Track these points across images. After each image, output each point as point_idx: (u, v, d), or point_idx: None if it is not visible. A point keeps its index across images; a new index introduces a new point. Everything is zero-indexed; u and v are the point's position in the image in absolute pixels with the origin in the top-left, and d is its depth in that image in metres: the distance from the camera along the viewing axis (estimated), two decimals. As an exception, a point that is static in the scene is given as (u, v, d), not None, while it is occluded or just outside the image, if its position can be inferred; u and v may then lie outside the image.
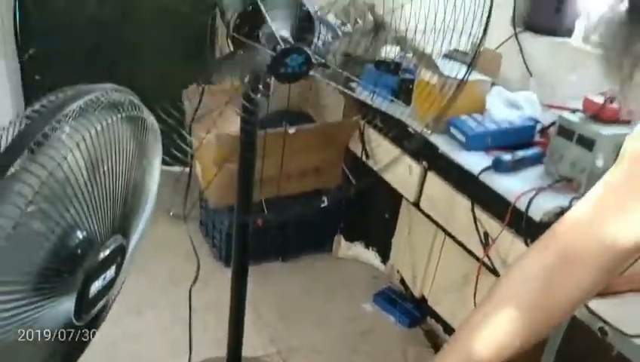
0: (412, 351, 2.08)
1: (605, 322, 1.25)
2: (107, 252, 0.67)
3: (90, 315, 0.67)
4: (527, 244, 1.44)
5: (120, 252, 0.69)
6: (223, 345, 1.69)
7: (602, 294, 1.32)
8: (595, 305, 1.30)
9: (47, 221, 0.61)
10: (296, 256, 2.46)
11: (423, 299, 2.13)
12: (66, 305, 0.64)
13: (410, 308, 2.19)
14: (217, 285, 1.99)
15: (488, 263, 1.56)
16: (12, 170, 0.54)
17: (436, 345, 2.07)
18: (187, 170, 1.37)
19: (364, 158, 2.10)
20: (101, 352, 1.79)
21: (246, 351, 1.72)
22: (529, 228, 1.42)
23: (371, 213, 2.39)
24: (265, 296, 2.20)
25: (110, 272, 0.68)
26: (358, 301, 2.28)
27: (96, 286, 0.66)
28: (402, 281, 2.28)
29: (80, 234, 0.65)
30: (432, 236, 2.00)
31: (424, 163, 1.81)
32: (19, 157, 0.54)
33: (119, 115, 0.65)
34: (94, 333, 0.70)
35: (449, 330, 2.04)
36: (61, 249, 0.63)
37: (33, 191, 0.56)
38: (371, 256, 2.46)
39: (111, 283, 0.69)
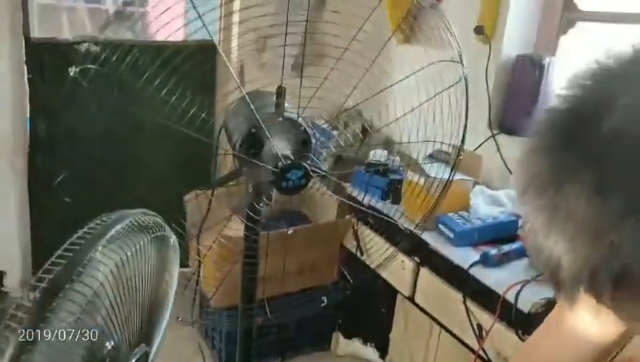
0: None
1: None
2: (134, 360, 0.74)
3: (117, 420, 0.73)
4: (518, 335, 1.51)
5: (144, 359, 0.76)
6: None
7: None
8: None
9: (80, 336, 0.69)
10: (295, 354, 2.47)
11: (424, 395, 2.13)
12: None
13: (411, 405, 2.18)
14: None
15: (483, 355, 1.60)
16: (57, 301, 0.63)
17: None
18: (188, 271, 1.44)
19: (358, 255, 2.19)
20: None
21: None
22: (519, 319, 1.49)
23: (368, 308, 2.44)
24: (265, 398, 2.19)
25: (136, 379, 0.75)
26: (359, 399, 2.27)
27: (124, 393, 0.73)
28: (402, 377, 2.29)
29: (109, 344, 0.73)
30: (428, 329, 2.04)
31: (416, 258, 1.90)
32: (63, 289, 0.63)
33: (148, 237, 0.75)
34: None
35: None
36: (92, 359, 0.71)
37: (73, 314, 0.65)
38: (370, 352, 2.47)
39: (136, 389, 0.75)
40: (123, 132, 2.68)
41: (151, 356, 0.80)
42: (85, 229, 0.70)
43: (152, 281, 0.78)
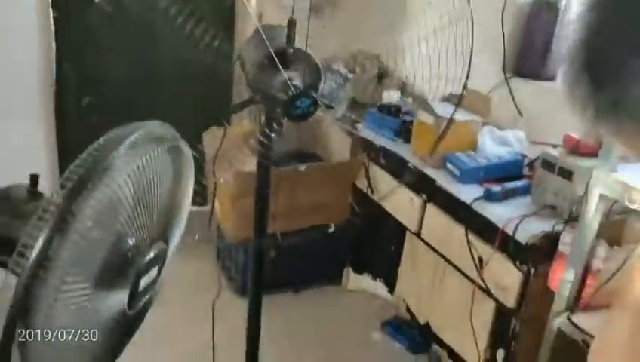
0: (418, 376, 2.18)
1: (587, 334, 1.37)
2: (152, 255, 0.83)
3: (138, 306, 0.83)
4: (516, 266, 1.58)
5: (162, 254, 0.86)
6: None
7: (585, 309, 1.45)
8: (578, 319, 1.43)
9: (104, 231, 0.77)
10: (307, 288, 2.59)
11: (428, 326, 2.24)
12: (121, 297, 0.80)
13: (416, 336, 2.31)
14: (234, 316, 2.12)
15: (482, 285, 1.69)
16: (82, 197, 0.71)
17: (441, 371, 2.17)
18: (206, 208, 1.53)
19: (369, 193, 2.27)
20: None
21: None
22: (517, 251, 1.56)
23: (378, 246, 2.53)
24: (279, 327, 2.31)
25: (154, 271, 0.84)
26: (367, 330, 2.40)
27: (144, 282, 0.82)
28: (408, 310, 2.40)
29: (130, 241, 0.82)
30: (434, 265, 2.13)
31: (424, 196, 1.97)
32: (87, 188, 0.71)
33: (163, 146, 0.83)
34: (140, 323, 0.86)
35: (453, 355, 2.15)
36: (116, 253, 0.80)
37: (97, 212, 0.73)
38: (378, 287, 2.59)
39: (155, 280, 0.85)
40: (144, 74, 2.76)
41: (169, 253, 0.89)
42: (105, 137, 0.78)
43: (168, 188, 0.86)
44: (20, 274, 0.65)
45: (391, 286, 2.53)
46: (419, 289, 2.28)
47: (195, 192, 1.26)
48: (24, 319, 0.66)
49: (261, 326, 1.80)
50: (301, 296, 2.57)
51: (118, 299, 0.79)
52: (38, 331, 0.68)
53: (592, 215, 1.38)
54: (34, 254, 0.66)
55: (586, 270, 1.44)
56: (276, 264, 2.26)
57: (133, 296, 0.81)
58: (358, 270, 2.64)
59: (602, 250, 1.41)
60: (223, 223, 2.41)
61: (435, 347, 2.27)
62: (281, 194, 2.04)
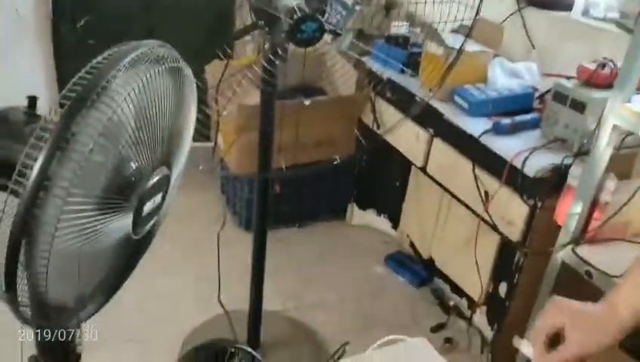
0: (420, 308, 2.22)
1: (591, 266, 1.38)
2: (155, 179, 0.82)
3: (143, 231, 0.82)
4: (522, 199, 1.57)
5: (166, 180, 0.84)
6: (245, 301, 1.85)
7: (591, 242, 1.45)
8: (582, 252, 1.43)
9: (106, 153, 0.75)
10: (312, 223, 2.61)
11: (431, 261, 2.27)
12: (125, 221, 0.79)
13: (418, 270, 2.33)
14: (238, 249, 2.14)
15: (488, 219, 1.69)
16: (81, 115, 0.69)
17: (443, 304, 2.21)
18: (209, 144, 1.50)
19: (375, 128, 2.23)
20: (133, 309, 1.97)
21: (266, 307, 1.88)
22: (524, 184, 1.54)
23: (382, 182, 2.52)
24: (283, 260, 2.35)
25: (158, 197, 0.83)
26: (370, 264, 2.43)
27: (148, 207, 0.81)
28: (412, 245, 2.42)
29: (133, 165, 0.80)
30: (439, 200, 2.13)
31: (430, 130, 1.94)
32: (86, 106, 0.68)
33: (163, 67, 0.79)
34: (146, 248, 0.85)
35: (455, 289, 2.18)
36: (118, 176, 0.78)
37: (97, 132, 0.71)
38: (383, 223, 2.60)
39: (159, 206, 0.84)
40: (145, 7, 2.68)
41: (172, 179, 0.87)
42: (104, 55, 0.75)
43: (170, 111, 0.83)
44: (21, 194, 0.64)
45: (395, 221, 2.54)
46: (423, 224, 2.29)
47: (199, 122, 1.24)
48: (28, 239, 0.66)
49: (266, 259, 1.82)
50: (305, 231, 2.59)
51: (122, 223, 0.78)
52: (44, 252, 0.67)
53: (604, 147, 1.35)
54: (34, 173, 0.64)
55: (594, 203, 1.43)
56: (281, 199, 2.26)
57: (138, 221, 0.80)
58: (363, 206, 2.64)
59: (611, 182, 1.39)
60: (226, 157, 2.39)
61: (438, 281, 2.30)
62: (286, 128, 2.00)
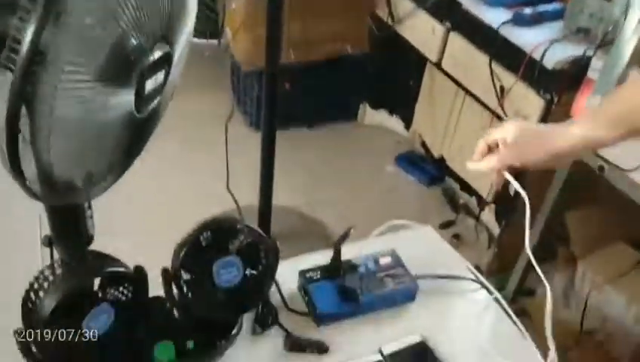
0: (430, 206, 2.24)
1: (604, 160, 1.36)
2: (156, 56, 0.79)
3: (147, 110, 0.81)
4: (539, 94, 1.52)
5: (167, 59, 0.81)
6: (255, 198, 1.86)
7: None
8: (597, 146, 1.40)
9: (102, 25, 0.72)
10: (323, 123, 2.58)
11: (442, 160, 2.25)
12: (127, 97, 0.77)
13: (429, 169, 2.33)
14: (249, 147, 2.13)
15: (502, 115, 1.65)
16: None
17: (453, 201, 2.23)
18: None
19: (389, 22, 2.14)
20: (141, 206, 2.01)
21: (276, 202, 1.90)
22: (541, 78, 1.49)
23: (396, 81, 2.46)
24: (294, 159, 2.35)
25: (161, 75, 0.80)
26: (381, 163, 2.43)
27: (149, 86, 0.79)
28: (423, 145, 2.40)
29: (133, 41, 0.77)
30: (453, 97, 2.08)
31: (447, 23, 1.85)
32: None
33: None
34: (152, 129, 0.84)
35: (465, 188, 2.19)
36: (117, 51, 0.76)
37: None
38: (395, 123, 2.57)
39: (162, 86, 0.82)
40: None
41: (174, 58, 0.84)
42: None
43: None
44: (16, 62, 0.62)
45: (407, 121, 2.50)
46: (435, 123, 2.25)
47: (208, 19, 1.18)
48: (28, 108, 0.64)
49: (276, 158, 1.81)
50: (316, 131, 2.57)
51: (124, 99, 0.77)
52: (45, 122, 0.66)
53: (630, 36, 1.28)
54: (27, 41, 0.62)
55: (614, 96, 1.37)
56: (290, 98, 2.22)
57: (141, 99, 0.78)
58: (375, 105, 2.60)
59: (635, 75, 1.33)
60: (235, 52, 2.33)
61: (449, 180, 2.31)
62: (295, 20, 1.92)
